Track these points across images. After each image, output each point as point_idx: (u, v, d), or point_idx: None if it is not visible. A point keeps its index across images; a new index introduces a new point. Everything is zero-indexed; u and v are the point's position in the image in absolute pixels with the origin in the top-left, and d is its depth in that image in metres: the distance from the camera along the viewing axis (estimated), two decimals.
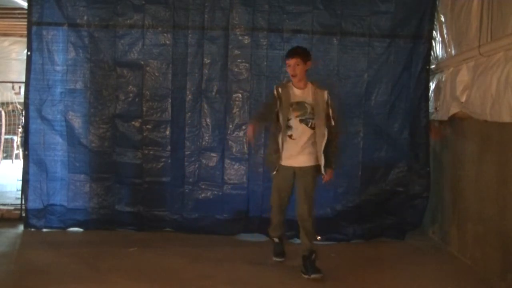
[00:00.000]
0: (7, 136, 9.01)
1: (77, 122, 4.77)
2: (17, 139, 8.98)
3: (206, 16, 4.71)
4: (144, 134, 4.78)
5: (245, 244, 4.60)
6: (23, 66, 4.89)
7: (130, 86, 4.78)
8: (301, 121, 3.80)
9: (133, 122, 4.79)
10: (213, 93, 4.77)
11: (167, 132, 4.78)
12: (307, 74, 3.88)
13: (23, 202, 4.82)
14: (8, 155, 9.23)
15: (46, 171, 4.75)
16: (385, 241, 4.73)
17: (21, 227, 4.78)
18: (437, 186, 4.77)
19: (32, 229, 4.73)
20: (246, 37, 4.74)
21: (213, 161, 4.80)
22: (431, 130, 4.82)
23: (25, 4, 5.39)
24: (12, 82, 9.00)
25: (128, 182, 4.79)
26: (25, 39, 4.93)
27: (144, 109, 4.77)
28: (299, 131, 3.80)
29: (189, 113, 4.78)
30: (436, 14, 4.77)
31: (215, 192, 4.80)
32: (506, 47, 3.42)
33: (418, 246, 4.62)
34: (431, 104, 4.82)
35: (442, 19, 4.72)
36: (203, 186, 4.81)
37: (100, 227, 4.77)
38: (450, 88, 4.36)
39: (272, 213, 4.07)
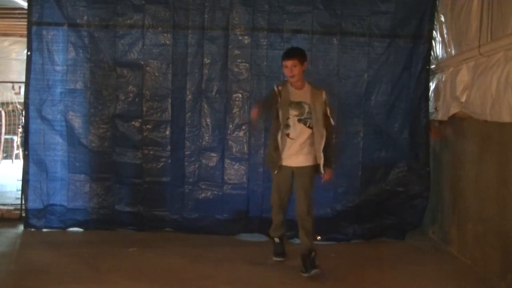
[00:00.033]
0: (7, 136, 9.00)
1: (77, 122, 4.77)
2: (17, 139, 8.98)
3: (206, 16, 4.71)
4: (144, 134, 4.78)
5: (245, 244, 4.60)
6: (23, 66, 4.89)
7: (130, 86, 4.78)
8: (299, 120, 3.82)
9: (133, 122, 4.79)
10: (213, 93, 4.77)
11: (167, 132, 4.78)
12: (305, 74, 3.89)
13: (23, 202, 4.82)
14: (8, 155, 9.23)
15: (46, 171, 4.75)
16: (385, 241, 4.73)
17: (21, 227, 4.78)
18: (437, 186, 4.77)
19: (32, 229, 4.73)
20: (246, 37, 4.74)
21: (213, 161, 4.80)
22: (431, 130, 4.82)
23: (25, 4, 5.39)
24: (12, 82, 9.00)
25: (128, 182, 4.79)
26: (25, 39, 4.93)
27: (144, 109, 4.77)
28: (297, 131, 3.82)
29: (189, 113, 4.78)
30: (436, 14, 4.77)
31: (215, 192, 4.80)
32: (506, 47, 3.42)
33: (418, 246, 4.62)
34: (431, 104, 4.82)
35: (442, 19, 4.72)
36: (203, 186, 4.81)
37: (100, 227, 4.77)
38: (450, 88, 4.36)
39: (272, 213, 4.08)
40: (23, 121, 5.02)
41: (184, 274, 3.75)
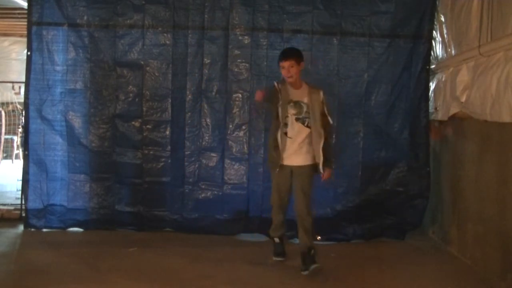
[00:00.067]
0: (7, 136, 9.01)
1: (77, 122, 4.77)
2: (17, 139, 8.98)
3: (206, 16, 4.71)
4: (144, 134, 4.78)
5: (245, 244, 4.60)
6: (23, 66, 4.89)
7: (130, 86, 4.78)
8: (297, 119, 3.85)
9: (133, 122, 4.79)
10: (213, 93, 4.77)
11: (167, 132, 4.78)
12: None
13: (23, 202, 4.82)
14: (8, 155, 9.23)
15: (46, 171, 4.75)
16: (385, 241, 4.73)
17: (21, 227, 4.78)
18: (437, 186, 4.77)
19: (32, 229, 4.73)
20: (246, 37, 4.74)
21: (213, 161, 4.80)
22: (431, 130, 4.82)
23: (25, 4, 5.39)
24: (12, 82, 9.00)
25: (128, 182, 4.79)
26: (25, 39, 4.93)
27: (144, 109, 4.77)
28: (295, 130, 3.85)
29: (189, 113, 4.78)
30: (436, 14, 4.77)
31: (215, 192, 4.80)
32: (506, 47, 3.42)
33: (418, 246, 4.62)
34: (431, 104, 4.82)
35: (442, 19, 4.72)
36: (203, 186, 4.81)
37: (100, 227, 4.77)
38: (450, 88, 4.36)
39: (272, 213, 4.08)
40: (23, 121, 5.02)
41: (184, 274, 3.75)
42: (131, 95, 4.78)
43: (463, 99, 4.09)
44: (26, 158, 4.78)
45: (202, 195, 4.81)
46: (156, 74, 4.77)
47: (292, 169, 3.88)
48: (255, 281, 3.66)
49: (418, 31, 4.70)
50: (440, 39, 4.77)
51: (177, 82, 4.76)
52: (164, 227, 4.81)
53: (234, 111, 4.78)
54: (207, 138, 4.79)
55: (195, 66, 4.75)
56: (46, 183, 4.75)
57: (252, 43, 4.73)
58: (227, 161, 4.78)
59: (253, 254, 4.24)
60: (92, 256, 4.06)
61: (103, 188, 4.78)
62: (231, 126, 4.78)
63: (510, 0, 3.49)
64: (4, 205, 5.29)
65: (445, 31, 4.66)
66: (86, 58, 4.74)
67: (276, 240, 4.13)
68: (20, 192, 4.97)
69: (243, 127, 4.78)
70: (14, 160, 9.06)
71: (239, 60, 4.75)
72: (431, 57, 4.76)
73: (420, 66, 4.71)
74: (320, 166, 3.83)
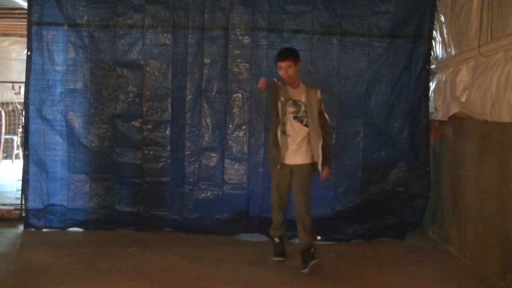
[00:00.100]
0: (7, 136, 9.01)
1: (77, 122, 4.77)
2: (17, 139, 8.98)
3: (206, 16, 4.71)
4: (144, 134, 4.78)
5: (245, 244, 4.60)
6: (23, 66, 4.89)
7: (130, 86, 4.78)
8: (295, 118, 3.88)
9: (133, 122, 4.79)
10: (213, 93, 4.77)
11: (167, 132, 4.78)
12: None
13: (23, 202, 4.82)
14: (8, 155, 9.23)
15: (46, 171, 4.75)
16: (385, 241, 4.73)
17: (21, 227, 4.78)
18: (437, 186, 4.77)
19: (32, 229, 4.73)
20: (246, 37, 4.74)
21: (213, 161, 4.80)
22: (431, 130, 4.82)
23: (25, 4, 5.39)
24: (12, 82, 9.00)
25: (128, 182, 4.79)
26: (25, 39, 4.93)
27: (144, 109, 4.77)
28: (294, 129, 3.88)
29: (189, 113, 4.78)
30: (436, 14, 4.77)
31: (215, 192, 4.80)
32: (506, 47, 3.42)
33: (418, 246, 4.62)
34: (431, 104, 4.82)
35: (442, 19, 4.72)
36: (203, 186, 4.81)
37: (100, 227, 4.76)
38: (450, 88, 4.36)
39: (272, 213, 4.09)
40: (23, 121, 5.02)
41: (184, 274, 3.75)
42: (131, 95, 4.78)
43: (463, 99, 4.09)
44: (26, 158, 4.78)
45: (202, 195, 4.81)
46: (156, 74, 4.77)
47: (291, 168, 3.90)
48: (255, 281, 3.66)
49: (418, 31, 4.70)
50: (440, 39, 4.77)
51: (177, 82, 4.76)
52: (164, 227, 4.81)
53: (234, 111, 4.78)
54: (207, 138, 4.79)
55: (195, 66, 4.75)
56: (46, 183, 4.75)
57: (252, 43, 4.73)
58: (227, 161, 4.78)
59: (253, 254, 4.24)
60: (92, 256, 4.06)
61: (103, 188, 4.78)
62: (231, 126, 4.78)
63: (510, 0, 3.49)
64: (4, 205, 5.29)
65: (445, 31, 4.66)
66: (86, 58, 4.74)
67: (276, 240, 4.13)
68: (20, 192, 4.97)
69: (243, 127, 4.78)
70: (14, 160, 9.06)
71: (239, 60, 4.75)
72: (431, 57, 4.76)
73: (420, 66, 4.71)
74: (319, 165, 3.85)
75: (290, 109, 3.87)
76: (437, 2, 4.75)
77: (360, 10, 4.69)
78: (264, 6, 4.70)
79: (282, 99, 3.83)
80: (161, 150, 4.78)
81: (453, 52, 4.45)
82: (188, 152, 4.79)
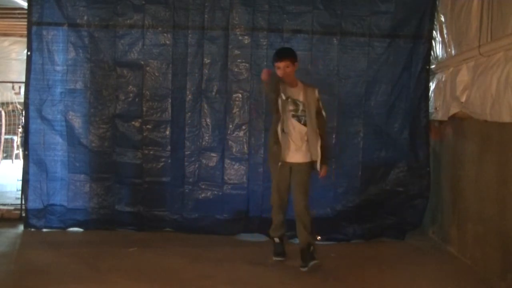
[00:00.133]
0: (7, 136, 9.01)
1: (77, 122, 4.77)
2: (17, 139, 8.98)
3: (206, 16, 4.71)
4: (144, 134, 4.78)
5: (245, 244, 4.60)
6: (23, 66, 4.89)
7: (130, 86, 4.78)
8: (293, 116, 3.90)
9: (133, 122, 4.79)
10: (213, 93, 4.77)
11: (167, 132, 4.78)
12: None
13: (23, 202, 4.82)
14: (8, 155, 9.23)
15: (46, 171, 4.75)
16: (385, 241, 4.72)
17: (21, 227, 4.78)
18: (437, 186, 4.77)
19: (32, 229, 4.73)
20: (246, 37, 4.74)
21: (213, 161, 4.80)
22: (431, 130, 4.82)
23: (25, 4, 5.39)
24: (12, 82, 9.00)
25: (128, 182, 4.79)
26: (25, 39, 4.93)
27: (144, 109, 4.77)
28: (293, 127, 3.91)
29: (189, 113, 4.78)
30: (436, 14, 4.77)
31: (215, 192, 4.80)
32: (506, 47, 3.42)
33: (418, 246, 4.62)
34: (431, 104, 4.82)
35: (442, 19, 4.72)
36: (203, 186, 4.81)
37: (100, 227, 4.76)
38: (450, 88, 4.36)
39: (272, 213, 4.10)
40: (23, 121, 5.02)
41: (184, 274, 3.75)
42: (131, 95, 4.78)
43: (463, 99, 4.09)
44: (26, 158, 4.78)
45: (202, 195, 4.81)
46: (156, 74, 4.77)
47: (291, 166, 3.92)
48: (255, 281, 3.66)
49: (418, 31, 4.70)
50: (440, 39, 4.77)
51: (177, 82, 4.76)
52: (164, 227, 4.81)
53: (234, 111, 4.78)
54: (207, 138, 4.79)
55: (195, 66, 4.75)
56: (46, 183, 4.75)
57: (252, 43, 4.73)
58: (227, 161, 4.78)
59: (253, 254, 4.24)
60: (92, 256, 4.06)
61: (103, 188, 4.78)
62: (231, 126, 4.78)
63: (510, 0, 3.49)
64: (4, 205, 5.29)
65: (445, 31, 4.65)
66: (86, 58, 4.74)
67: (276, 240, 4.13)
68: (20, 192, 4.97)
69: (243, 127, 4.78)
70: (14, 160, 9.06)
71: (239, 60, 4.76)
72: (431, 57, 4.76)
73: (420, 66, 4.71)
74: (318, 164, 3.87)
75: (290, 107, 3.90)
76: (437, 2, 4.75)
77: (360, 10, 4.69)
78: (264, 6, 4.70)
79: (283, 97, 3.85)
80: (161, 150, 4.78)
81: (453, 52, 4.45)
82: (188, 152, 4.79)
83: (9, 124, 9.05)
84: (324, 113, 3.98)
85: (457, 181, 4.40)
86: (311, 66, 4.71)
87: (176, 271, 3.80)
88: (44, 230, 4.75)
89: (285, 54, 3.93)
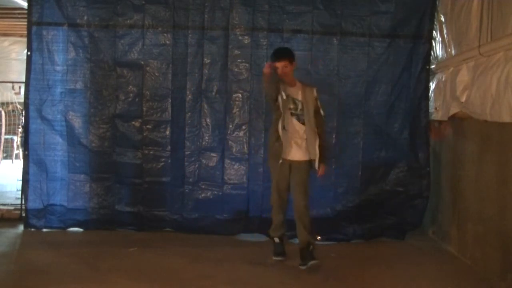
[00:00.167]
0: (7, 136, 9.01)
1: (77, 122, 4.77)
2: (17, 139, 8.97)
3: (206, 16, 4.71)
4: (144, 134, 4.78)
5: (245, 244, 4.60)
6: (23, 66, 4.89)
7: (130, 86, 4.78)
8: (292, 115, 3.93)
9: (133, 122, 4.79)
10: (213, 93, 4.77)
11: (167, 132, 4.78)
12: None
13: (23, 202, 4.82)
14: (8, 155, 9.23)
15: (46, 171, 4.75)
16: (385, 241, 4.73)
17: (21, 227, 4.78)
18: (437, 186, 4.77)
19: (32, 229, 4.73)
20: (246, 37, 4.74)
21: (213, 161, 4.80)
22: (431, 130, 4.83)
23: (25, 4, 5.39)
24: (12, 82, 8.99)
25: (128, 182, 4.79)
26: (25, 39, 4.93)
27: (144, 109, 4.77)
28: (292, 125, 3.94)
29: (189, 113, 4.78)
30: (436, 14, 4.77)
31: (215, 192, 4.80)
32: (506, 47, 3.42)
33: (418, 246, 4.62)
34: (431, 104, 4.82)
35: (442, 19, 4.72)
36: (203, 186, 4.81)
37: (100, 227, 4.76)
38: (450, 88, 4.36)
39: (272, 213, 4.10)
40: (23, 121, 5.02)
41: (184, 274, 3.75)
42: (131, 95, 4.78)
43: (463, 99, 4.09)
44: (26, 158, 4.78)
45: (202, 195, 4.81)
46: (156, 74, 4.77)
47: (291, 164, 3.94)
48: (255, 281, 3.66)
49: (418, 31, 4.70)
50: (440, 39, 4.77)
51: (177, 82, 4.76)
52: (164, 227, 4.81)
53: (234, 111, 4.78)
54: (207, 138, 4.79)
55: (195, 66, 4.75)
56: (46, 183, 4.75)
57: (252, 43, 4.73)
58: (227, 161, 4.78)
59: (253, 254, 4.24)
60: (92, 256, 4.06)
61: (103, 188, 4.78)
62: (231, 126, 4.78)
63: (510, 0, 3.49)
64: (4, 205, 5.29)
65: (445, 31, 4.66)
66: (86, 58, 4.74)
67: (276, 240, 4.13)
68: (20, 192, 4.97)
69: (243, 127, 4.78)
70: (14, 160, 9.06)
71: (239, 60, 4.76)
72: (431, 57, 4.76)
73: (420, 66, 4.71)
74: (316, 162, 3.89)
75: (289, 105, 3.92)
76: (437, 2, 4.76)
77: (360, 10, 4.69)
78: (264, 6, 4.70)
79: (284, 97, 3.86)
80: (161, 150, 4.78)
81: (453, 52, 4.45)
82: (188, 152, 4.79)
83: (9, 124, 9.05)
84: (322, 112, 4.01)
85: (457, 181, 4.40)
86: (311, 66, 4.71)
87: (176, 271, 3.80)
88: (44, 230, 4.75)
89: (283, 54, 3.96)
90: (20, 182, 4.90)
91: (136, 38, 4.73)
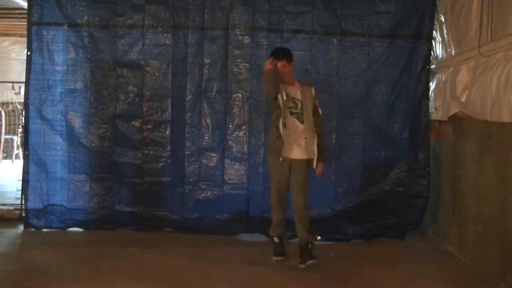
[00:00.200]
0: (7, 136, 9.01)
1: (77, 122, 4.77)
2: (17, 139, 8.98)
3: (206, 16, 4.71)
4: (144, 134, 4.78)
5: (245, 244, 4.60)
6: (23, 66, 4.90)
7: (130, 86, 4.78)
8: (291, 113, 3.96)
9: (133, 122, 4.79)
10: (213, 93, 4.78)
11: (167, 132, 4.78)
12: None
13: (23, 202, 4.82)
14: (8, 155, 9.23)
15: (46, 171, 4.75)
16: (385, 241, 4.73)
17: (21, 227, 4.78)
18: (437, 186, 4.77)
19: (32, 229, 4.73)
20: (246, 37, 4.74)
21: (213, 161, 4.80)
22: (431, 130, 4.83)
23: (25, 4, 5.39)
24: (12, 82, 8.99)
25: (128, 182, 4.79)
26: (25, 39, 4.94)
27: (144, 109, 4.77)
28: (292, 124, 3.95)
29: (189, 113, 4.78)
30: (436, 14, 4.77)
31: (215, 192, 4.80)
32: (506, 47, 3.42)
33: (418, 246, 4.62)
34: (431, 104, 4.82)
35: (442, 19, 4.72)
36: (203, 186, 4.81)
37: (100, 227, 4.77)
38: (450, 88, 4.36)
39: (272, 212, 4.11)
40: (23, 121, 5.03)
41: (184, 274, 3.75)
42: (131, 95, 4.78)
43: (463, 99, 4.09)
44: (26, 158, 4.78)
45: (202, 195, 4.81)
46: (156, 74, 4.77)
47: (290, 163, 3.95)
48: (255, 281, 3.66)
49: (418, 31, 4.70)
50: (440, 39, 4.77)
51: (177, 82, 4.76)
52: (164, 227, 4.81)
53: (234, 111, 4.78)
54: (207, 138, 4.79)
55: (195, 66, 4.75)
56: (46, 183, 4.75)
57: (252, 43, 4.73)
58: (227, 161, 4.79)
59: (253, 254, 4.24)
60: (92, 256, 4.06)
61: (103, 188, 4.78)
62: (231, 126, 4.78)
63: (510, 0, 3.49)
64: (4, 205, 5.30)
65: (445, 31, 4.66)
66: (86, 58, 4.74)
67: (276, 239, 4.14)
68: (20, 192, 4.97)
69: (243, 127, 4.78)
70: (14, 160, 9.06)
71: (239, 60, 4.76)
72: (431, 57, 4.76)
73: (420, 66, 4.71)
74: (314, 161, 3.91)
75: (289, 104, 3.94)
76: (437, 2, 4.76)
77: (360, 10, 4.70)
78: (264, 6, 4.70)
79: (285, 96, 3.88)
80: (161, 150, 4.78)
81: (453, 52, 4.45)
82: (188, 152, 4.79)
83: (9, 124, 9.05)
84: (320, 111, 4.03)
85: (457, 181, 4.40)
86: (311, 66, 4.71)
87: (176, 271, 3.80)
88: (44, 230, 4.75)
89: (281, 54, 3.98)
90: (20, 182, 4.91)
91: (136, 38, 4.74)
